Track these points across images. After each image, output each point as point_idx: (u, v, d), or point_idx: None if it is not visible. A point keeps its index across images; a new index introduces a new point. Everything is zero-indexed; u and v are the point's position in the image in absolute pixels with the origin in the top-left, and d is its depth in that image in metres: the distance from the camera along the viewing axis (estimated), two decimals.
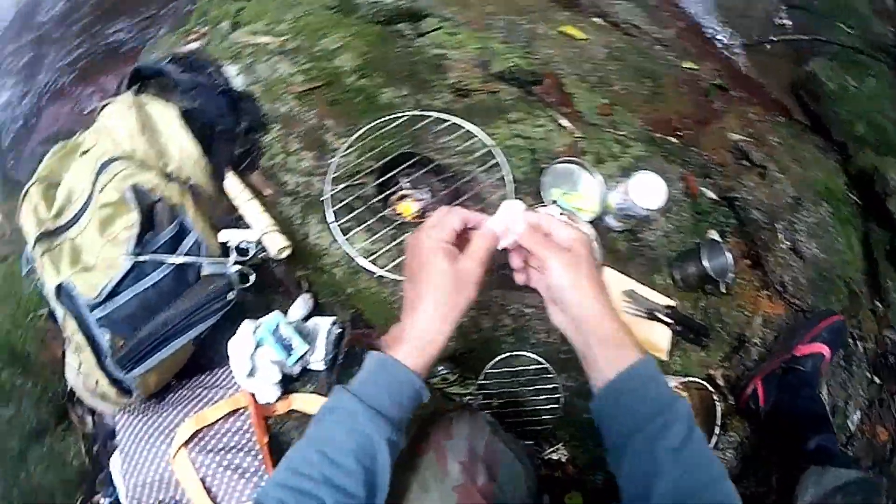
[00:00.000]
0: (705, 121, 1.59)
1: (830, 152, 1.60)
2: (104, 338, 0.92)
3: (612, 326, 0.69)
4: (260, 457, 0.94)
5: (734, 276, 1.27)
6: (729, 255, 1.22)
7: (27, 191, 1.03)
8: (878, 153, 1.56)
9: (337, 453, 0.61)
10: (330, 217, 1.04)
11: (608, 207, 1.22)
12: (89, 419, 1.06)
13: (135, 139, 1.03)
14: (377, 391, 0.65)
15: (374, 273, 1.07)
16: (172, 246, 0.98)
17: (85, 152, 1.04)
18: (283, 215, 1.15)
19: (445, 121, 1.12)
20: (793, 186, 1.46)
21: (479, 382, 1.11)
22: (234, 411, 0.98)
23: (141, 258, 0.94)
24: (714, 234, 1.32)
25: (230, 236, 1.09)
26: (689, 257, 1.25)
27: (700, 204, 1.35)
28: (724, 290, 1.29)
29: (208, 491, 0.91)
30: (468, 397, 1.13)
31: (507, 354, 1.13)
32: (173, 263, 0.97)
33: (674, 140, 1.47)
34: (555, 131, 1.29)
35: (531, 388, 1.12)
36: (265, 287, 1.13)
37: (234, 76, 1.26)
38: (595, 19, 1.75)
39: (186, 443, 0.93)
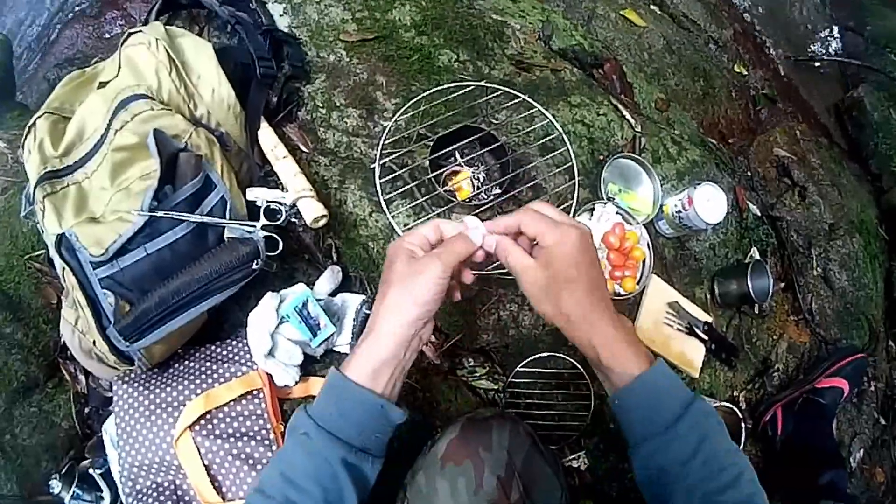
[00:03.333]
0: (751, 130, 1.36)
1: (865, 182, 1.39)
2: (107, 301, 0.69)
3: (622, 323, 0.59)
4: (274, 447, 0.74)
5: (772, 299, 1.07)
6: (771, 279, 1.02)
7: (34, 122, 0.78)
8: None
9: (295, 474, 0.54)
10: (378, 189, 0.79)
11: (664, 212, 0.99)
12: (83, 377, 0.83)
13: (161, 75, 0.77)
14: (330, 413, 0.55)
15: None
16: (194, 202, 0.74)
17: (103, 84, 0.78)
18: (319, 176, 0.92)
19: (515, 97, 0.86)
20: (830, 212, 1.26)
21: (510, 380, 0.90)
22: (247, 393, 0.78)
23: (157, 214, 0.68)
24: (755, 253, 1.11)
25: (259, 195, 0.84)
26: (733, 274, 1.06)
27: (746, 219, 1.12)
28: (758, 312, 1.09)
29: (213, 480, 0.70)
30: (495, 393, 0.92)
31: (544, 355, 0.94)
32: (194, 223, 0.71)
33: (724, 148, 1.22)
34: (616, 122, 1.06)
35: (562, 392, 0.93)
36: (289, 253, 0.89)
37: (279, 15, 0.97)
38: (653, 7, 1.46)
39: (192, 424, 0.74)
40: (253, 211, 0.84)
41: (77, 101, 0.81)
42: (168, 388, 0.77)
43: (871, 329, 1.20)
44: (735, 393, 1.09)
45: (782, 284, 1.17)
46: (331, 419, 0.55)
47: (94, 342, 0.75)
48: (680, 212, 1.00)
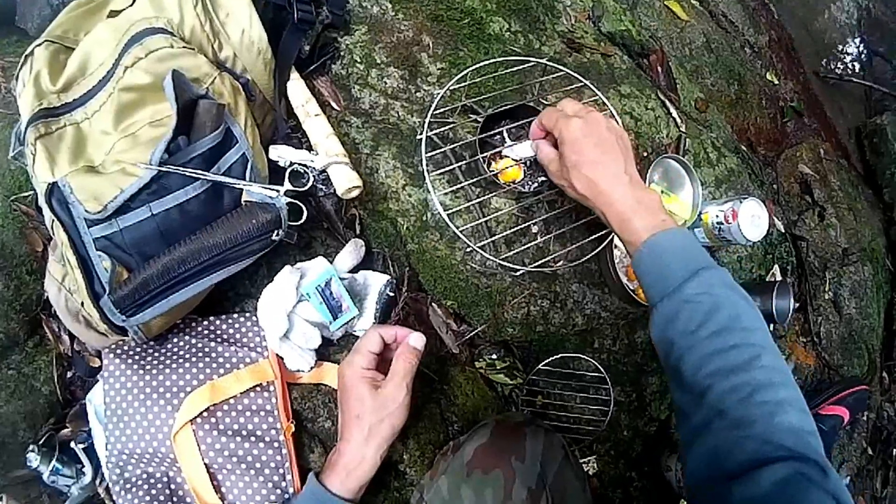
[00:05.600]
0: (777, 141, 1.25)
1: (877, 210, 1.32)
2: (101, 265, 0.55)
3: (639, 195, 0.58)
4: (283, 451, 0.65)
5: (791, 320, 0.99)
6: (793, 300, 0.93)
7: (31, 51, 0.64)
8: None
9: None
10: (423, 164, 0.65)
11: (703, 220, 0.88)
12: (67, 338, 0.69)
13: (185, 8, 0.62)
14: None
15: (494, 261, 0.71)
16: (210, 158, 0.61)
17: (115, 13, 0.62)
18: (350, 139, 0.79)
19: (575, 80, 0.73)
20: (844, 236, 1.20)
21: (530, 377, 0.81)
22: (258, 385, 0.67)
23: (168, 168, 0.54)
24: (777, 271, 1.02)
25: (284, 155, 0.70)
26: (756, 291, 0.98)
27: (771, 234, 1.03)
28: (772, 331, 1.00)
29: (212, 479, 0.60)
30: (512, 389, 0.82)
31: (568, 355, 0.86)
32: (208, 182, 0.57)
33: (755, 158, 1.11)
34: (662, 119, 0.94)
35: (582, 394, 0.88)
36: (307, 220, 0.75)
37: None
38: (693, 1, 1.31)
39: (195, 418, 0.62)
40: (274, 172, 0.70)
41: (83, 31, 0.65)
42: (167, 371, 0.65)
43: (869, 359, 1.14)
44: None
45: (797, 305, 1.09)
46: None
47: (81, 303, 0.61)
48: (721, 224, 0.89)
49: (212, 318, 0.73)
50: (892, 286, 1.24)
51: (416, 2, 0.84)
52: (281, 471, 0.65)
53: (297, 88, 0.78)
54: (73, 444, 0.67)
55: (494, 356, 0.84)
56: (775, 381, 0.47)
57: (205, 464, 0.60)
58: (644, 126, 0.95)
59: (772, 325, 1.06)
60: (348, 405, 0.61)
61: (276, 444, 0.66)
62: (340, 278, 0.74)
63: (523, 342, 0.85)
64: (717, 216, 0.91)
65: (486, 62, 0.75)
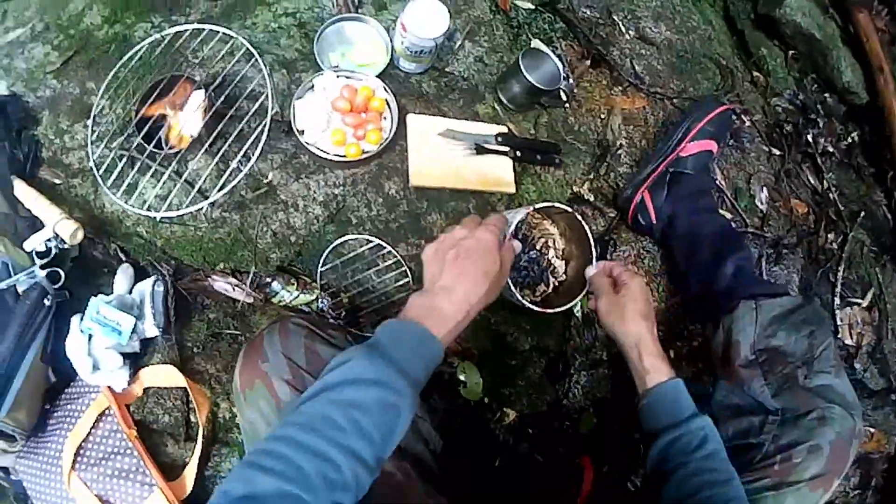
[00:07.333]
0: None
1: None
2: None
3: (659, 346, 0.74)
4: (135, 452, 0.79)
5: (572, 81, 0.89)
6: (556, 60, 0.88)
7: None
8: None
9: (368, 423, 0.48)
10: (101, 182, 0.79)
11: (398, 52, 0.86)
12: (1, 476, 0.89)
13: None
14: (417, 366, 0.52)
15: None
16: None
17: None
18: (80, 196, 0.91)
19: (200, 31, 0.81)
20: None
21: (321, 283, 0.87)
22: (101, 414, 0.82)
23: None
24: (539, 44, 0.94)
25: (34, 243, 0.84)
26: (510, 75, 0.91)
27: (516, 17, 0.95)
28: (564, 99, 0.91)
29: None
30: (315, 302, 0.84)
31: (336, 243, 0.87)
32: None
33: None
34: None
35: (373, 270, 0.88)
36: (91, 274, 0.90)
37: None
38: None
39: (74, 465, 0.78)
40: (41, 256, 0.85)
41: None
42: (50, 444, 0.81)
43: (720, 68, 0.98)
44: (577, 189, 0.93)
45: (587, 63, 0.98)
46: (418, 373, 0.52)
47: None
48: (403, 43, 0.86)
49: (66, 390, 0.88)
50: None
51: (71, 63, 0.95)
52: (141, 469, 0.78)
53: (21, 189, 0.92)
54: None
55: (278, 285, 0.87)
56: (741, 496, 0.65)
57: (96, 496, 0.75)
58: (305, 13, 0.95)
59: (562, 95, 0.94)
60: (482, 261, 0.59)
61: (128, 451, 0.79)
62: (108, 302, 0.85)
63: (293, 257, 0.87)
64: (400, 40, 0.88)
65: (116, 68, 0.84)
